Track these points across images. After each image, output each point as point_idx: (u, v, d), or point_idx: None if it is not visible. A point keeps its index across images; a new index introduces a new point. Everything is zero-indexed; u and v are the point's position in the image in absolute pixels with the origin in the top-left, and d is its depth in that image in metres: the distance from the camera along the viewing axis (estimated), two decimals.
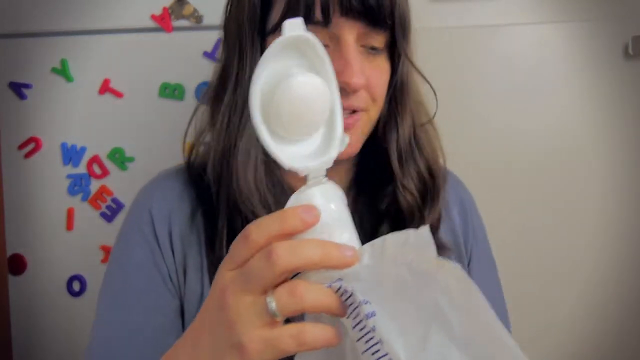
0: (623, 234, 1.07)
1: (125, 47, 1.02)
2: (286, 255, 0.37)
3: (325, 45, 0.58)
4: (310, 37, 0.40)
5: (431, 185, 0.66)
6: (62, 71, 1.02)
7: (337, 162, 0.66)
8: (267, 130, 0.40)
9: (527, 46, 1.04)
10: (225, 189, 0.61)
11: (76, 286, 1.05)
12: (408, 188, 0.64)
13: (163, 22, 1.01)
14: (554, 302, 1.06)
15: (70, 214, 1.05)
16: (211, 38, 1.01)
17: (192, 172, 0.66)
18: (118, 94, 1.03)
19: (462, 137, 1.05)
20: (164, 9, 1.01)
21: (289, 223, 0.38)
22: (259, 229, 0.38)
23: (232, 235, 0.60)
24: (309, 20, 0.55)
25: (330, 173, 0.67)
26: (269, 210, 0.60)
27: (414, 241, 0.37)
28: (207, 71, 1.01)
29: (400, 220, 0.65)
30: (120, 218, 1.04)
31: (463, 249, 0.71)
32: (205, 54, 1.01)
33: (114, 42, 1.02)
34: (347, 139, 0.41)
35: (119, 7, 1.01)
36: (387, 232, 0.64)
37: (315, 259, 0.37)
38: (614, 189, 1.06)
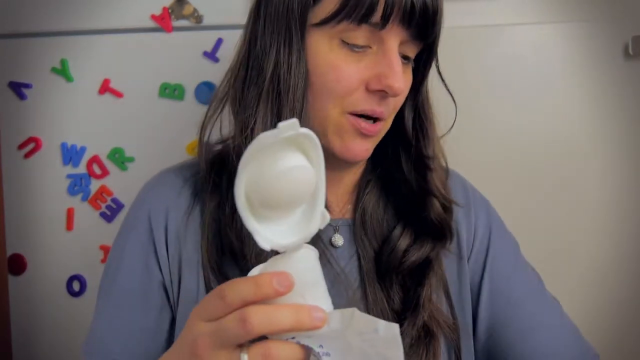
0: (623, 233, 1.07)
1: (125, 47, 1.02)
2: (260, 322, 0.38)
3: (368, 47, 0.58)
4: (307, 133, 0.40)
5: (446, 193, 0.67)
6: (62, 71, 1.02)
7: (351, 165, 0.66)
8: (250, 212, 0.40)
9: (527, 46, 1.04)
10: None
11: (76, 286, 1.05)
12: (441, 196, 0.66)
13: (163, 22, 1.01)
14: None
15: (70, 214, 1.05)
16: (211, 38, 1.01)
17: (211, 167, 0.65)
18: (118, 94, 1.03)
19: (463, 137, 1.04)
20: (164, 9, 1.01)
21: (263, 291, 0.39)
22: (234, 292, 0.40)
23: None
24: (365, 20, 0.55)
25: (338, 173, 0.67)
26: None
27: (383, 334, 0.39)
28: (207, 71, 1.02)
29: (427, 228, 0.65)
30: (120, 218, 1.04)
31: (464, 249, 0.70)
32: (205, 54, 1.01)
33: (114, 42, 1.02)
34: (327, 216, 0.42)
35: (119, 7, 1.01)
36: (408, 243, 0.65)
37: (287, 325, 0.39)
38: (613, 189, 1.06)
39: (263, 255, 0.59)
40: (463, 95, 1.05)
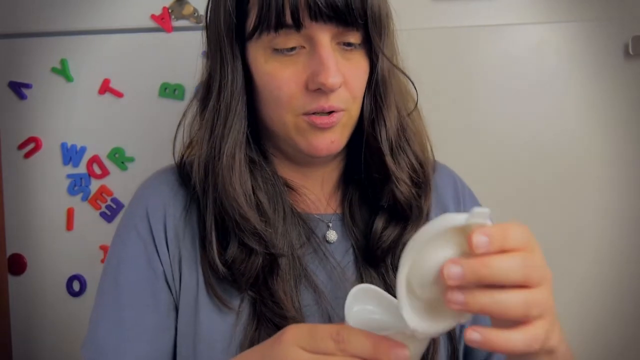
0: (623, 233, 1.07)
1: (125, 47, 1.02)
2: None
3: (301, 47, 0.59)
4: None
5: (422, 174, 0.67)
6: (62, 71, 1.02)
7: (326, 160, 0.66)
8: (407, 292, 0.41)
9: (527, 46, 1.04)
10: (212, 192, 0.62)
11: (76, 286, 1.05)
12: (403, 180, 0.65)
13: (163, 22, 1.01)
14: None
15: (70, 214, 1.05)
16: None
17: (183, 171, 0.67)
18: (118, 94, 1.03)
19: (462, 137, 1.05)
20: (164, 9, 1.01)
21: (378, 357, 0.41)
22: (352, 343, 0.42)
23: (220, 236, 0.61)
24: (280, 26, 0.56)
25: (321, 169, 0.68)
26: (256, 210, 0.62)
27: None
28: None
29: (396, 211, 0.65)
30: (119, 218, 1.04)
31: None
32: (205, 54, 1.01)
33: (114, 42, 1.02)
34: (468, 316, 0.42)
35: (119, 7, 1.01)
36: (383, 225, 0.65)
37: None
38: (613, 189, 1.06)
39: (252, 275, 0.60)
40: (463, 94, 1.05)
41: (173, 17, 1.01)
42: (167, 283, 0.63)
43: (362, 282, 0.64)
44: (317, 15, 0.56)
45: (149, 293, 0.63)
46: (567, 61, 1.04)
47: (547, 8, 1.04)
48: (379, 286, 0.64)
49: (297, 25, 0.56)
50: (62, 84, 1.03)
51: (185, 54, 1.01)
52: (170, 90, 1.02)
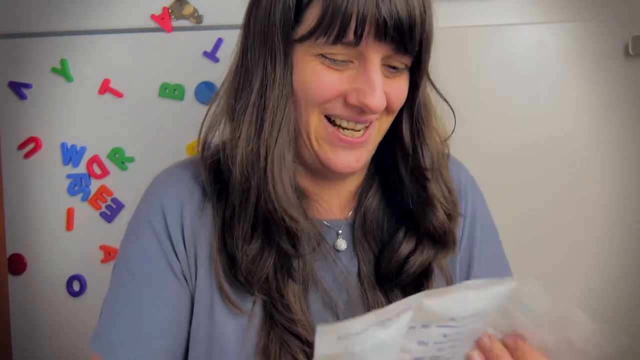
0: (623, 233, 1.07)
1: (125, 47, 1.02)
2: None
3: (350, 62, 0.58)
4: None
5: (450, 199, 0.67)
6: (62, 71, 1.02)
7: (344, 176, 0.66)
8: None
9: (527, 46, 1.04)
10: (255, 191, 0.60)
11: (76, 286, 1.05)
12: (440, 205, 0.65)
13: (163, 22, 1.01)
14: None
15: (70, 214, 1.05)
16: (211, 38, 1.01)
17: (207, 165, 0.65)
18: (118, 94, 1.03)
19: (461, 137, 1.04)
20: (164, 9, 1.01)
21: None
22: None
23: (262, 237, 0.61)
24: (339, 39, 0.56)
25: (338, 182, 0.67)
26: (300, 211, 0.61)
27: None
28: (207, 71, 1.02)
29: (430, 236, 0.66)
30: (120, 218, 1.04)
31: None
32: (205, 54, 1.01)
33: (114, 42, 1.02)
34: None
35: (119, 7, 1.01)
36: (410, 248, 0.65)
37: None
38: (613, 189, 1.06)
39: (262, 277, 0.60)
40: (463, 95, 1.05)
41: (173, 17, 1.01)
42: (186, 280, 0.63)
43: (364, 293, 0.64)
44: (382, 35, 0.55)
45: (165, 288, 0.62)
46: (567, 61, 1.04)
47: (547, 8, 1.04)
48: (382, 302, 0.64)
49: (358, 42, 0.56)
50: (62, 84, 1.03)
51: (185, 54, 1.01)
52: (170, 90, 1.02)
